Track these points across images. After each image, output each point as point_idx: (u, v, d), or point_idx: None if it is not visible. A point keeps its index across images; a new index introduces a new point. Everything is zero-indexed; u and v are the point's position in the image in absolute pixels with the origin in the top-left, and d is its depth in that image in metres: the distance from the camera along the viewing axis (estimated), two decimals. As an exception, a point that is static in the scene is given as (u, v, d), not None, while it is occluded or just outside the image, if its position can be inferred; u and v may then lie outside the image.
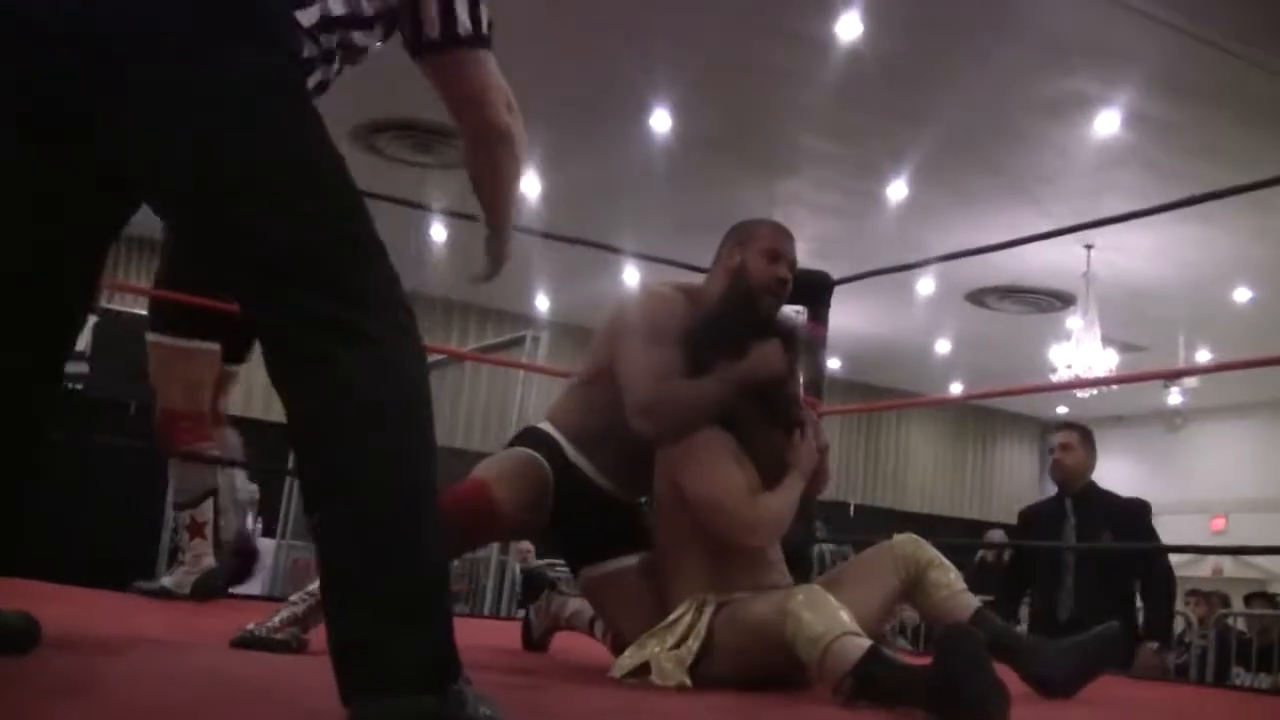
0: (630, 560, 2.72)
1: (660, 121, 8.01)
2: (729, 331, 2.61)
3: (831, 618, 2.17)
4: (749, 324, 2.64)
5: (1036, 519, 5.11)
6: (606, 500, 2.75)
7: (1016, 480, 16.80)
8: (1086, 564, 4.67)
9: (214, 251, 1.51)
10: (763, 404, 2.60)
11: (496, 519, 2.58)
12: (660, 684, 2.33)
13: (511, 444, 2.77)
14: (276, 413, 1.47)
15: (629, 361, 2.61)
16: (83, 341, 8.81)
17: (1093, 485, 4.88)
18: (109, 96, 1.40)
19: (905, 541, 2.63)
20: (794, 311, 3.48)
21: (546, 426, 2.77)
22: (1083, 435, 4.92)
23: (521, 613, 3.38)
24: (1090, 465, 4.90)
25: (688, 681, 2.32)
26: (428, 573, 1.42)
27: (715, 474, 2.50)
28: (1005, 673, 2.11)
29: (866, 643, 2.13)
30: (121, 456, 7.99)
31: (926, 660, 2.04)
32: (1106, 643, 2.63)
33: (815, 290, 4.07)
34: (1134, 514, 4.80)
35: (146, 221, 1.69)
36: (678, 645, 2.38)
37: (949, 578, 2.59)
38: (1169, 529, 14.42)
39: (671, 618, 2.46)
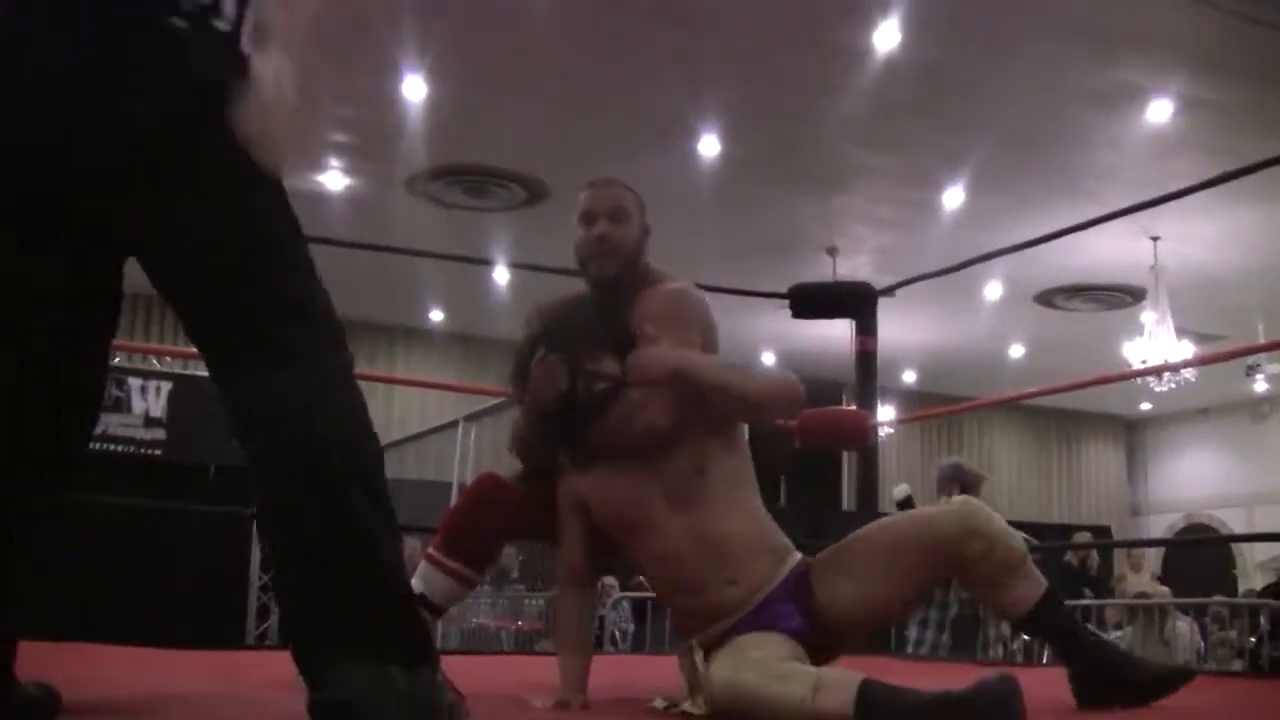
0: None
1: (709, 147, 8.03)
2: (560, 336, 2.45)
3: (793, 677, 1.99)
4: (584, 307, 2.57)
5: None
6: None
7: (1104, 481, 16.53)
8: None
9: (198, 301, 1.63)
10: (572, 415, 2.37)
11: (505, 494, 2.59)
12: (694, 712, 2.21)
13: None
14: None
15: None
16: (158, 408, 9.00)
17: None
18: (127, 189, 1.56)
19: (949, 519, 2.26)
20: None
21: None
22: None
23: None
24: None
25: None
26: (382, 590, 1.53)
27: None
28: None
29: (853, 684, 1.93)
30: (203, 520, 8.11)
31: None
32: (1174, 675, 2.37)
33: (858, 303, 4.07)
34: None
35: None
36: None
37: (1006, 567, 2.26)
38: (1262, 519, 13.96)
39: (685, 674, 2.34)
